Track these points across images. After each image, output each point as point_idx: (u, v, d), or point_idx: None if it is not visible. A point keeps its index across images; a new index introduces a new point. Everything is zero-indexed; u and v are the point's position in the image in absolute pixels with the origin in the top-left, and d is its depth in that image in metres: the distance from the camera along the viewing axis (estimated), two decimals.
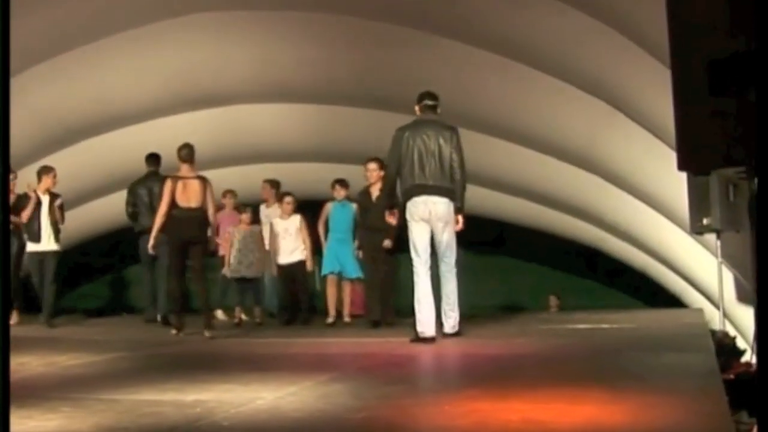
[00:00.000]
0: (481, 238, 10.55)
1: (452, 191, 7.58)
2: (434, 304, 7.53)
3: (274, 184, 11.04)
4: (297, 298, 10.08)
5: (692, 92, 4.37)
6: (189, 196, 8.82)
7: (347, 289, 9.85)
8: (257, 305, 10.43)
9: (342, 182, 9.88)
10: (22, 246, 10.41)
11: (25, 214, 10.27)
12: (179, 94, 11.45)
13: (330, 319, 9.67)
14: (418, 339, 7.35)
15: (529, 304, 13.39)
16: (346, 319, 9.76)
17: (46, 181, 10.40)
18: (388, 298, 9.19)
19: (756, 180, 3.49)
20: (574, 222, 12.25)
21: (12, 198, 10.04)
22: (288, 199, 10.15)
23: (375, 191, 9.26)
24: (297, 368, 6.04)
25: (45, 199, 10.39)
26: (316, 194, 10.71)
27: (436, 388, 4.96)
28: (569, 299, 13.05)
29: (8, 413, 3.34)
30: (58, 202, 10.38)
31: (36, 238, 10.31)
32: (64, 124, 11.64)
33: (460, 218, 7.66)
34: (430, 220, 7.55)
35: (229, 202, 11.36)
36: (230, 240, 10.35)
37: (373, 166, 9.27)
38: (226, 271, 10.40)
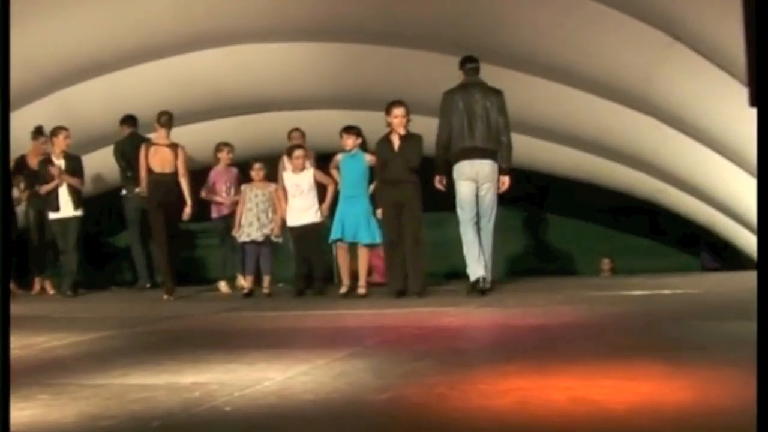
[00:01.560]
0: (522, 193, 10.50)
1: (497, 153, 8.98)
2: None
3: (303, 133, 11.12)
4: (310, 265, 10.09)
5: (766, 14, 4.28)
6: (160, 162, 10.35)
7: (363, 255, 9.65)
8: (267, 274, 10.45)
9: (351, 130, 9.70)
10: (41, 212, 11.49)
11: (45, 189, 11.22)
12: (171, 33, 11.38)
13: (343, 289, 9.66)
14: (474, 288, 8.88)
15: (577, 268, 13.37)
16: (361, 290, 9.60)
17: (59, 142, 11.20)
18: (416, 263, 9.14)
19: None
20: (629, 172, 12.13)
21: (36, 162, 11.45)
22: (298, 152, 10.13)
23: (396, 139, 9.22)
24: (310, 344, 6.07)
25: (60, 164, 11.17)
26: (331, 146, 10.66)
27: (470, 364, 4.95)
28: (624, 261, 13.01)
29: (8, 407, 3.45)
30: (57, 167, 11.08)
31: (54, 207, 11.18)
32: (42, 71, 11.63)
33: (507, 179, 9.04)
34: (477, 180, 8.95)
35: (224, 156, 11.39)
36: (242, 199, 10.43)
37: (399, 111, 9.21)
38: (236, 233, 10.47)
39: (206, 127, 12.48)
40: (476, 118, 8.90)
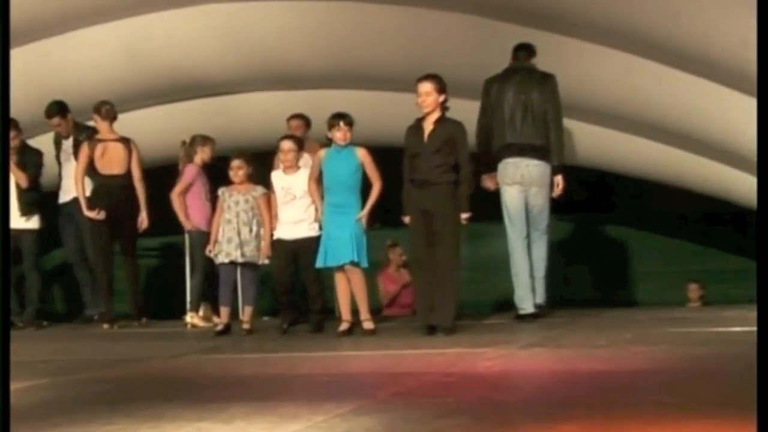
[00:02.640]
0: (579, 197, 10.51)
1: (547, 150, 9.77)
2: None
3: (307, 121, 11.15)
4: (303, 292, 10.06)
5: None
6: (110, 161, 10.94)
7: (357, 279, 9.62)
8: (249, 304, 10.46)
9: (342, 118, 9.65)
10: None
11: None
12: None
13: (343, 326, 9.65)
14: (519, 317, 9.77)
15: (653, 296, 13.32)
16: (366, 324, 9.63)
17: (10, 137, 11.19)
18: (446, 290, 9.11)
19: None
20: (722, 170, 12.12)
21: None
22: (286, 144, 10.05)
23: (429, 125, 9.22)
24: (304, 396, 6.08)
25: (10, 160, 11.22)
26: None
27: (513, 422, 4.94)
28: (717, 288, 12.96)
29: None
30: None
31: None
32: None
33: (560, 180, 9.83)
34: (523, 184, 9.76)
35: (203, 151, 11.34)
36: (219, 207, 10.37)
37: (427, 87, 9.20)
38: (210, 251, 10.39)
39: (164, 113, 12.49)
40: (518, 109, 9.67)
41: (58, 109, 11.75)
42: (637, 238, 13.74)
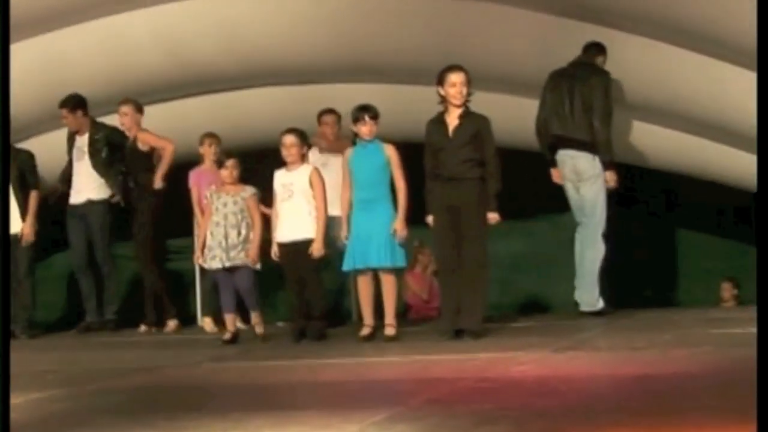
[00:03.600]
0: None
1: (592, 144, 10.42)
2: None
3: (339, 116, 11.15)
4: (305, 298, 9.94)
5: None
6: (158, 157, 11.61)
7: (389, 283, 9.56)
8: (253, 309, 10.36)
9: (365, 111, 9.61)
10: None
11: None
12: None
13: (365, 330, 9.63)
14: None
15: (686, 296, 13.26)
16: (389, 330, 9.54)
17: None
18: (474, 292, 9.11)
19: None
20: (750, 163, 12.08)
21: None
22: (289, 138, 9.86)
23: (453, 119, 9.20)
24: (332, 404, 6.05)
25: None
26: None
27: (558, 429, 4.91)
28: (752, 287, 12.88)
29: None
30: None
31: None
32: None
33: (610, 174, 10.52)
34: (574, 177, 10.52)
35: (209, 151, 11.40)
36: (207, 209, 10.33)
37: (462, 77, 9.17)
38: (199, 259, 10.31)
39: (165, 111, 12.46)
40: (566, 103, 10.38)
41: (69, 102, 11.80)
42: (665, 232, 13.66)
